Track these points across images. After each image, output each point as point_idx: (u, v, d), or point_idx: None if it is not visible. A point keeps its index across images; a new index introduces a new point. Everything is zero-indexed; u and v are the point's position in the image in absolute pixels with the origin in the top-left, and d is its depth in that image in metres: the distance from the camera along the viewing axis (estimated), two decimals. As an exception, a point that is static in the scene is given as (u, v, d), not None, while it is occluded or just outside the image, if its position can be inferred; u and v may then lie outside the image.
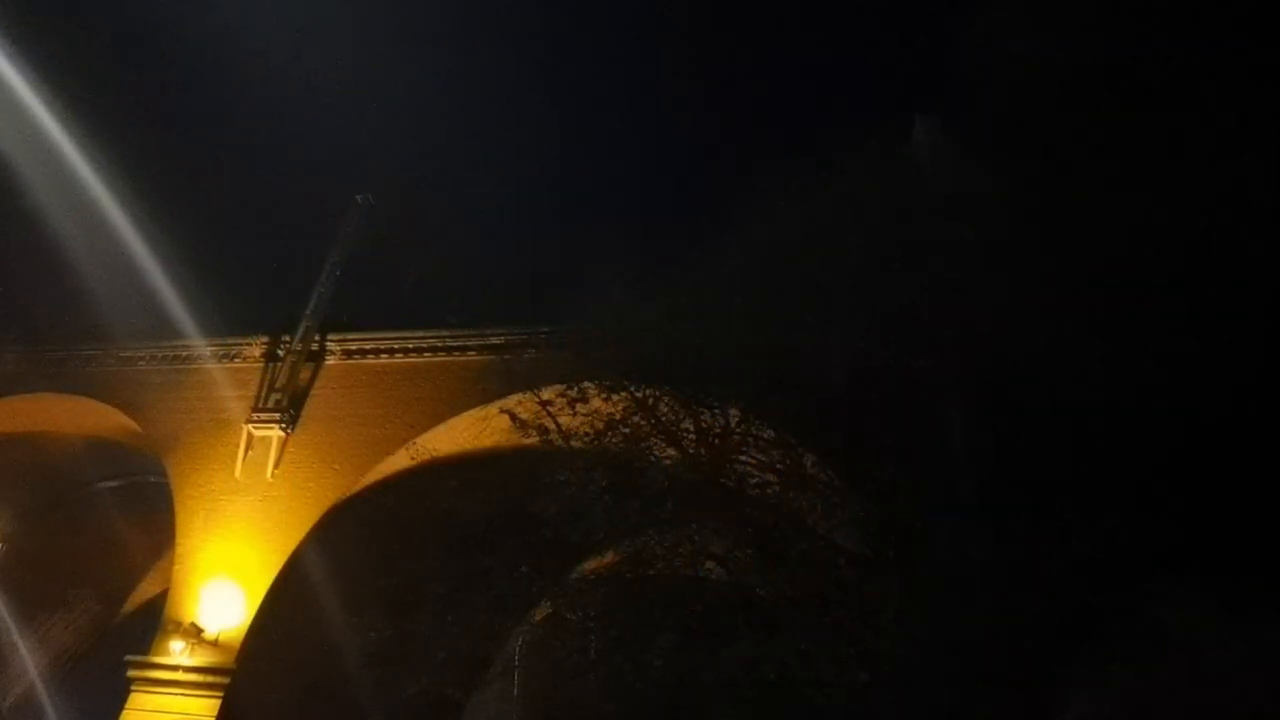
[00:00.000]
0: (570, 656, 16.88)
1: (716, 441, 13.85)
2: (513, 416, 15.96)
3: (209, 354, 20.71)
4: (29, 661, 26.36)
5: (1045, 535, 10.57)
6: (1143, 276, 10.62)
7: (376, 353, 19.74)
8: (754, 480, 13.71)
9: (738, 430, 13.72)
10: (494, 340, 18.88)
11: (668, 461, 14.15)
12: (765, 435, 13.60)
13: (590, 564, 17.12)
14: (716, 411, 13.79)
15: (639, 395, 14.10)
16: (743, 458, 13.67)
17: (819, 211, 13.19)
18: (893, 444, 12.34)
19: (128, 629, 27.02)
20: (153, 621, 18.28)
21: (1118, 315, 10.74)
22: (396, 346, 19.62)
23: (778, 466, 13.46)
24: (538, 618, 18.97)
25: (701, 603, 14.18)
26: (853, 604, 12.52)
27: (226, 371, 20.46)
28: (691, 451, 13.89)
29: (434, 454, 18.36)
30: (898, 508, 12.33)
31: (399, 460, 18.49)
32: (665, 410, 13.97)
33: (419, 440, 18.24)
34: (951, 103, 13.38)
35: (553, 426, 15.24)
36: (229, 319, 21.23)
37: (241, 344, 20.66)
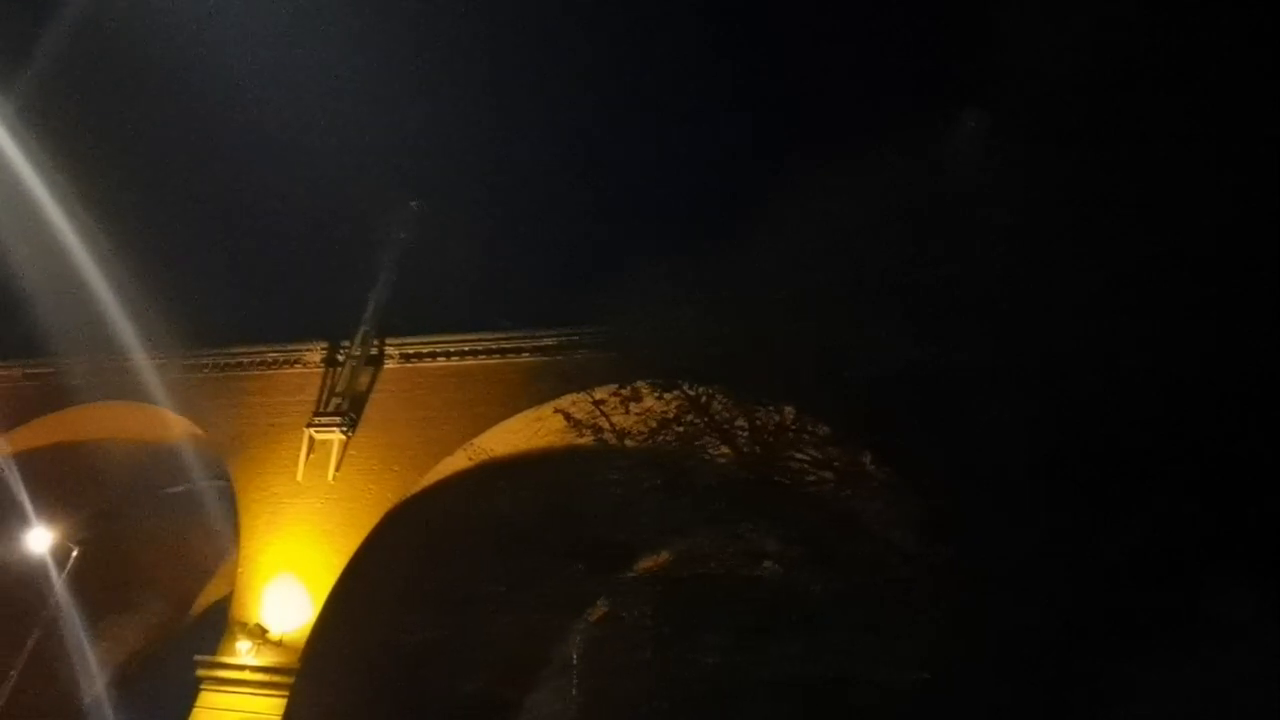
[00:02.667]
0: (624, 655, 16.98)
1: (770, 439, 13.84)
2: (567, 416, 16.11)
3: (270, 360, 21.28)
4: (102, 662, 27.23)
5: (1097, 529, 10.38)
6: (1194, 260, 10.38)
7: (433, 356, 20.05)
8: (809, 478, 13.66)
9: (792, 427, 13.68)
10: (546, 341, 19.10)
11: (721, 460, 14.16)
12: (820, 432, 13.54)
13: (644, 563, 17.19)
14: (770, 409, 13.77)
15: (692, 393, 14.14)
16: (797, 455, 13.63)
17: (860, 203, 13.12)
18: (944, 438, 12.20)
19: (196, 630, 27.78)
20: (219, 622, 18.70)
21: (1168, 302, 10.49)
22: (452, 349, 19.91)
23: (834, 463, 13.39)
24: (593, 617, 19.14)
25: (755, 601, 14.15)
26: (906, 602, 12.41)
27: (287, 377, 20.97)
28: (745, 449, 13.89)
29: (490, 454, 18.60)
30: (950, 503, 12.19)
31: (456, 461, 18.72)
32: (718, 408, 13.99)
33: (475, 441, 18.46)
34: (990, 89, 13.15)
35: (606, 426, 15.35)
36: (289, 325, 21.86)
37: (302, 350, 21.14)
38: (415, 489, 18.54)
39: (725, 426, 13.92)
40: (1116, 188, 11.23)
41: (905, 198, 12.82)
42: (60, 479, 23.16)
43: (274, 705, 16.70)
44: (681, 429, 14.13)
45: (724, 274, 14.27)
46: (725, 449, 13.95)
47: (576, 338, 18.61)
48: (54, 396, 23.16)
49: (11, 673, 21.74)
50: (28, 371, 23.71)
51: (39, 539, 22.35)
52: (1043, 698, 10.73)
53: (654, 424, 14.47)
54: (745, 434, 13.88)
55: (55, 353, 23.77)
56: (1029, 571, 10.59)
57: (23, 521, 22.36)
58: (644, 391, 14.69)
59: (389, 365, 20.37)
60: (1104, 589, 10.34)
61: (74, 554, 22.92)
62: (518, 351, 19.44)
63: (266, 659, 17.06)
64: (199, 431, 21.29)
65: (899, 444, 12.94)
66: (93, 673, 26.70)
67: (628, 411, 14.94)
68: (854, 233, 12.62)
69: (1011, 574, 10.75)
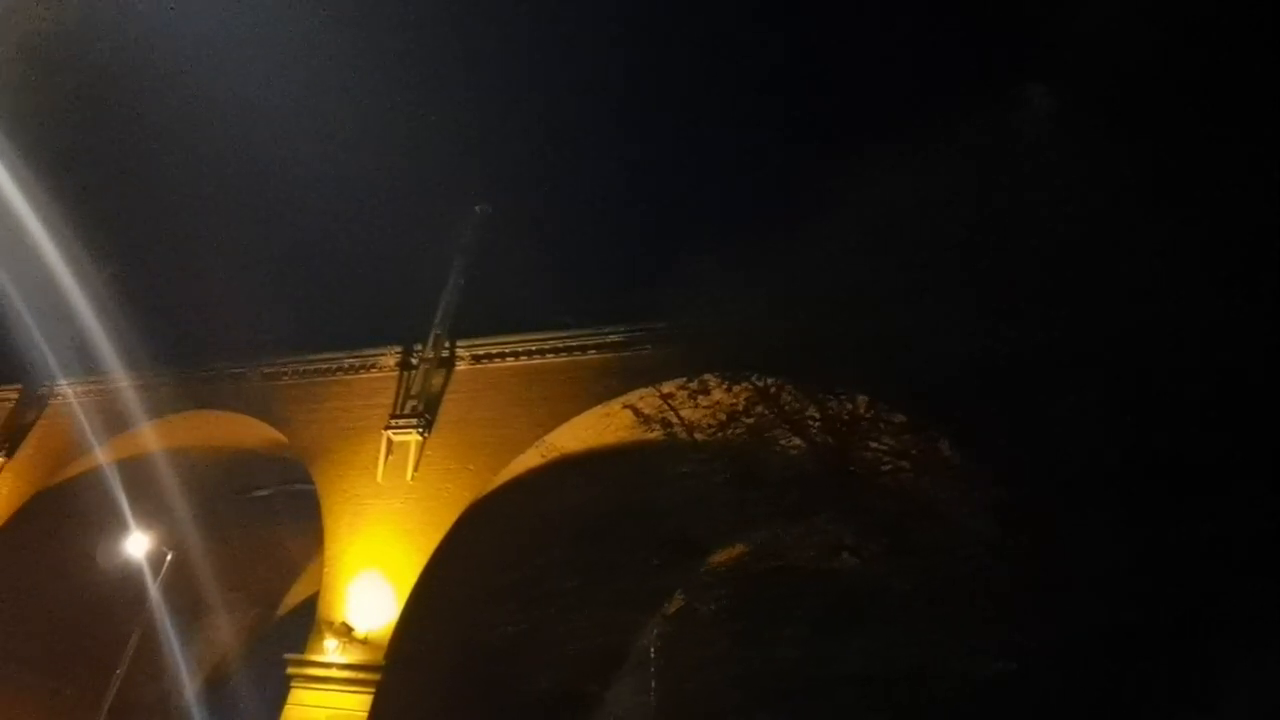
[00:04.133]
0: (701, 649, 16.96)
1: (843, 429, 13.67)
2: (635, 411, 16.20)
3: (347, 366, 21.88)
4: (199, 661, 28.40)
5: (1180, 516, 9.98)
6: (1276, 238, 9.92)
7: (502, 356, 20.34)
8: (885, 467, 13.45)
9: (866, 416, 13.49)
10: (612, 338, 19.21)
11: (794, 451, 14.05)
12: (896, 420, 13.32)
13: (718, 556, 17.15)
14: (842, 398, 13.61)
15: (761, 385, 14.07)
16: (872, 444, 13.43)
17: (928, 188, 12.85)
18: (1023, 424, 11.88)
19: (285, 629, 28.71)
20: (307, 621, 19.22)
21: (1252, 283, 10.04)
22: (520, 349, 20.17)
23: (910, 452, 13.15)
24: (669, 610, 19.17)
25: (832, 594, 14.00)
26: (987, 592, 12.11)
27: (364, 381, 21.54)
28: (818, 440, 13.75)
29: (562, 451, 18.80)
30: (1029, 490, 11.86)
31: (529, 459, 18.96)
32: (789, 399, 13.89)
33: (547, 438, 18.69)
34: (1055, 65, 12.74)
35: (675, 420, 15.38)
36: (364, 332, 22.44)
37: (377, 355, 21.68)
38: (490, 487, 18.81)
39: (796, 417, 13.81)
40: (1191, 165, 10.81)
41: (975, 180, 12.54)
42: (153, 487, 24.16)
43: (361, 702, 17.07)
44: (751, 421, 14.07)
45: (790, 264, 14.16)
46: (797, 440, 13.84)
47: (642, 333, 18.67)
48: (145, 408, 24.19)
49: (117, 671, 22.81)
50: (121, 385, 24.81)
51: (136, 544, 23.38)
52: (1127, 689, 10.40)
53: (723, 416, 14.44)
54: (817, 424, 13.74)
55: (145, 366, 24.89)
56: (1110, 559, 10.28)
57: (122, 527, 23.41)
58: (712, 384, 14.68)
59: (460, 367, 20.73)
60: (1188, 577, 9.95)
61: (168, 558, 23.90)
62: (584, 349, 19.58)
63: (353, 656, 17.47)
64: (282, 437, 21.98)
65: (977, 431, 12.65)
66: (190, 671, 27.83)
67: (696, 405, 14.95)
68: (923, 218, 12.39)
69: (1092, 562, 10.44)
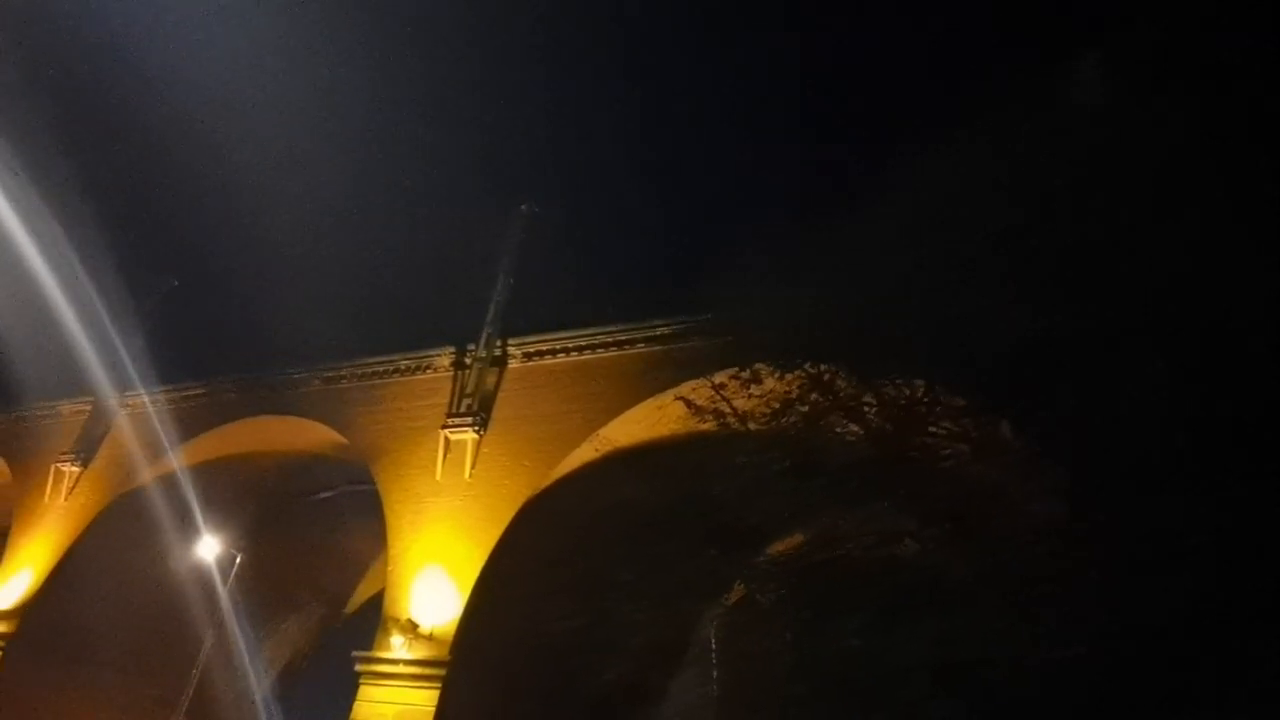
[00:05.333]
0: (762, 639, 16.89)
1: (901, 414, 13.46)
2: (687, 403, 16.16)
3: (403, 367, 22.26)
4: (271, 660, 29.20)
5: (1248, 498, 9.62)
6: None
7: (553, 353, 20.49)
8: (945, 452, 13.21)
9: (924, 400, 13.26)
10: (661, 330, 19.19)
11: (850, 438, 13.88)
12: (955, 403, 13.07)
13: (777, 546, 17.04)
14: (900, 383, 13.38)
15: (814, 372, 13.90)
16: (931, 429, 13.20)
17: (979, 165, 12.56)
18: (1086, 405, 11.57)
19: (353, 627, 29.39)
20: (374, 619, 19.60)
21: None
22: (571, 345, 20.29)
23: (970, 436, 12.89)
24: (729, 601, 19.14)
25: (894, 582, 13.82)
26: (1053, 577, 11.84)
27: (420, 382, 21.89)
28: (875, 426, 13.55)
29: (615, 445, 18.89)
30: (1095, 473, 11.55)
31: (583, 453, 19.08)
32: (844, 386, 13.71)
33: (600, 432, 18.78)
34: (1112, 33, 12.34)
35: (728, 410, 15.29)
36: (417, 333, 22.78)
37: (431, 355, 22.00)
38: (546, 482, 18.98)
39: (852, 404, 13.62)
40: (1247, 129, 10.40)
41: (1029, 156, 12.23)
42: (222, 491, 24.89)
43: (428, 697, 17.37)
44: (806, 409, 13.91)
45: (841, 247, 13.95)
46: (854, 427, 13.66)
47: (692, 324, 18.61)
48: (210, 415, 24.92)
49: (194, 671, 23.58)
50: (186, 394, 25.60)
51: (207, 547, 24.11)
52: (1204, 677, 10.07)
53: (777, 405, 14.31)
54: (874, 410, 13.54)
55: (208, 375, 25.66)
56: (1184, 541, 9.97)
57: (193, 532, 24.16)
58: (764, 373, 14.54)
59: (512, 364, 20.94)
60: (1256, 560, 9.60)
61: (237, 560, 24.61)
62: (633, 343, 19.62)
63: (419, 652, 17.78)
64: (343, 439, 22.46)
65: (1038, 412, 12.36)
66: (264, 670, 28.63)
67: (749, 394, 14.84)
68: (976, 195, 12.13)
69: (1165, 544, 10.14)
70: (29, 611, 23.37)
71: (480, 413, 20.11)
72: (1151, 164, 11.28)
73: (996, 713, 12.79)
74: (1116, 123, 11.99)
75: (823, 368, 13.86)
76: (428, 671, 17.61)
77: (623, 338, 19.78)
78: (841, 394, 13.69)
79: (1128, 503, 10.87)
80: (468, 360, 21.16)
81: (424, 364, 22.06)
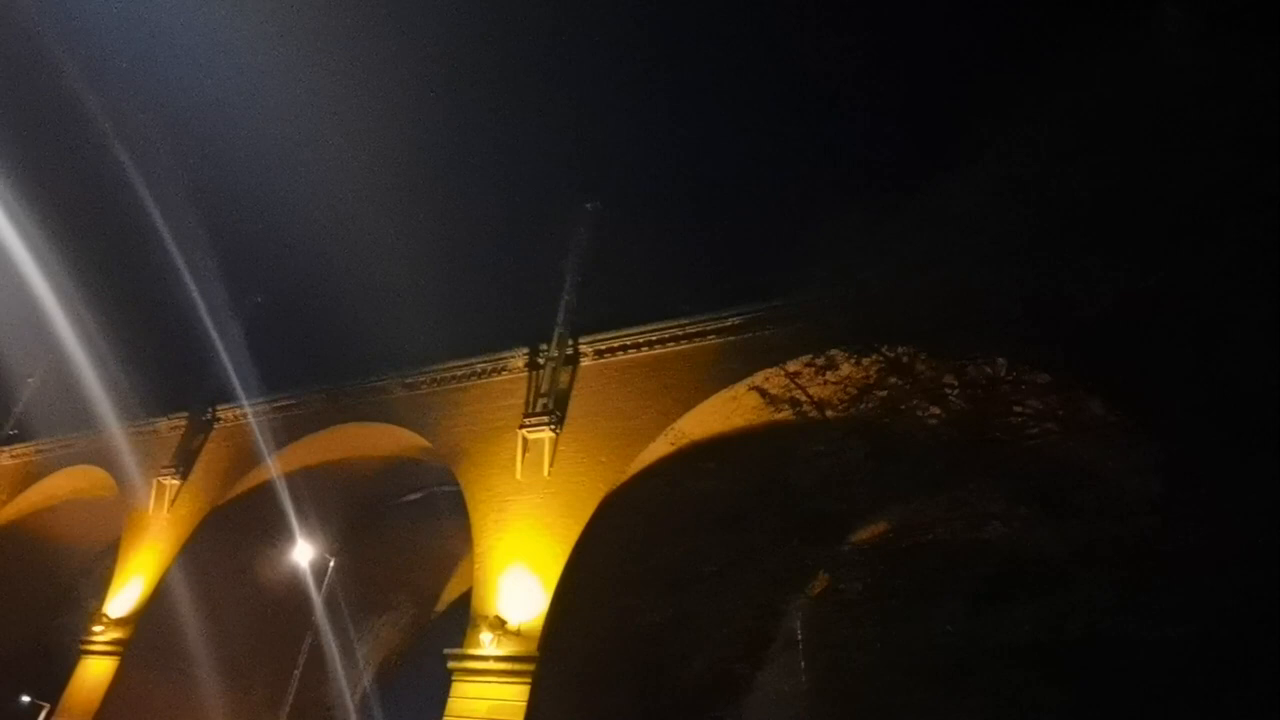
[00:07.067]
0: (850, 628, 16.65)
1: (983, 394, 13.11)
2: (761, 392, 16.03)
3: (480, 370, 22.67)
4: (367, 659, 30.12)
5: None
6: None
7: (624, 349, 20.59)
8: (1031, 430, 12.84)
9: (1007, 379, 12.88)
10: (731, 321, 19.09)
11: (932, 421, 13.59)
12: (1040, 380, 12.67)
13: (861, 535, 16.81)
14: (981, 362, 13.03)
15: (891, 355, 13.65)
16: (1016, 408, 12.82)
17: (1057, 130, 12.08)
18: (1180, 374, 11.07)
19: (444, 625, 30.09)
20: (463, 616, 19.96)
21: None
22: (641, 341, 20.35)
23: (1058, 413, 12.48)
24: (814, 591, 18.92)
25: (986, 565, 13.48)
26: (1155, 553, 11.36)
27: (497, 384, 22.28)
28: (957, 408, 13.22)
29: (690, 438, 18.87)
30: (1194, 445, 11.04)
31: (659, 448, 19.14)
32: (923, 368, 13.42)
33: (675, 426, 18.81)
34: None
35: (804, 398, 15.13)
36: (492, 336, 23.18)
37: (506, 357, 22.38)
38: (624, 477, 19.08)
39: (932, 386, 13.33)
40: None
41: (1112, 117, 11.74)
42: (314, 497, 25.73)
43: (518, 692, 17.64)
44: (885, 393, 13.68)
45: (912, 226, 13.63)
46: (935, 409, 13.37)
47: (762, 313, 18.48)
48: (300, 424, 25.79)
49: (295, 671, 24.48)
50: (275, 405, 26.55)
51: (303, 552, 24.99)
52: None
53: (854, 391, 14.10)
54: (955, 392, 13.22)
55: (296, 386, 26.57)
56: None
57: (288, 537, 25.07)
58: (839, 359, 14.33)
59: (585, 362, 21.11)
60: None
61: (331, 564, 25.44)
62: (704, 335, 19.57)
63: (508, 648, 18.08)
64: (426, 442, 22.99)
65: (1130, 385, 11.89)
66: (361, 669, 29.55)
67: (825, 381, 14.64)
68: (1056, 163, 11.70)
69: (1266, 518, 9.63)
70: (141, 619, 24.55)
71: (556, 411, 20.34)
72: (1247, 116, 10.71)
73: (1101, 696, 12.40)
74: (1205, 75, 11.41)
75: (900, 350, 13.59)
76: (517, 667, 17.86)
77: (693, 330, 19.74)
78: (921, 376, 13.40)
79: (1229, 476, 10.38)
80: (541, 360, 21.44)
81: (499, 366, 22.43)
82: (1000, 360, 12.96)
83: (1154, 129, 11.53)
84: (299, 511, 25.05)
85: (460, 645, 18.85)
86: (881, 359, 13.78)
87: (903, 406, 13.66)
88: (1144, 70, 12.01)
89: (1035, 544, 12.98)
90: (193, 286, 27.55)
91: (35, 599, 31.26)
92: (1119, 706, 12.17)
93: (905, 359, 13.45)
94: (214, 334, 26.69)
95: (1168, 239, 11.09)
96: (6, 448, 33.11)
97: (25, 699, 30.01)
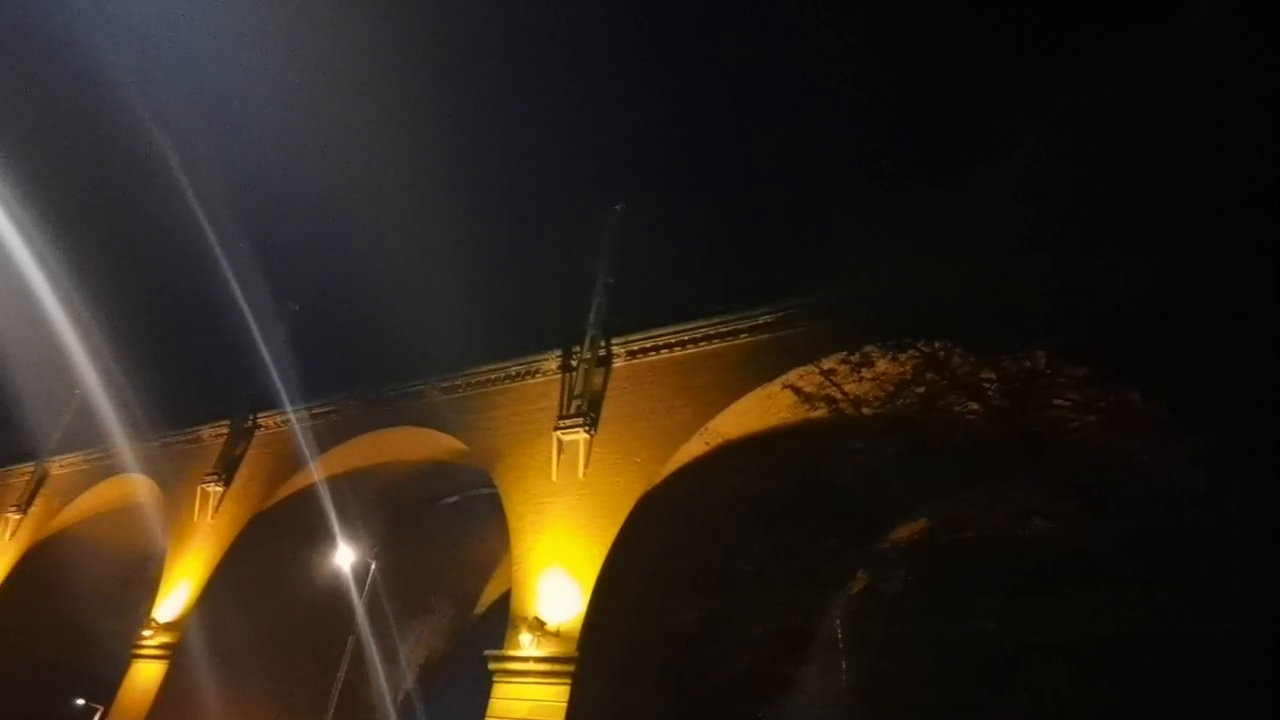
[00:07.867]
0: (890, 626, 16.57)
1: (1021, 388, 12.95)
2: (796, 390, 15.98)
3: (514, 373, 22.83)
4: (409, 661, 30.48)
5: None
6: None
7: (656, 349, 20.60)
8: (1071, 424, 12.65)
9: (1046, 372, 12.71)
10: (764, 319, 19.00)
11: (971, 417, 13.45)
12: (1079, 373, 12.49)
13: (899, 532, 16.73)
14: (1019, 356, 12.87)
15: (928, 351, 13.52)
16: (1055, 401, 12.65)
17: (1091, 116, 11.90)
18: (1222, 365, 10.86)
19: (484, 626, 30.35)
20: (503, 618, 20.12)
21: None
22: (674, 341, 20.36)
23: (1098, 405, 12.30)
24: (853, 590, 18.85)
25: (1027, 561, 13.35)
26: (1200, 548, 11.17)
27: (531, 387, 22.41)
28: (996, 403, 13.08)
29: (725, 437, 18.82)
30: (1238, 437, 10.82)
31: (693, 447, 19.12)
32: (960, 363, 13.28)
33: (709, 426, 18.76)
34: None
35: (839, 395, 15.03)
36: (525, 339, 23.31)
37: (539, 360, 22.50)
38: (659, 478, 19.08)
39: (970, 381, 13.18)
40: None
41: (1145, 96, 11.53)
42: (354, 502, 26.08)
43: (558, 693, 17.70)
44: (922, 389, 13.55)
45: (944, 218, 13.49)
46: (973, 404, 13.22)
47: (795, 310, 18.34)
48: (339, 430, 26.17)
49: (339, 674, 24.82)
50: (314, 412, 26.95)
51: (344, 556, 25.35)
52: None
53: (890, 387, 13.99)
54: (993, 386, 13.07)
55: (334, 393, 26.95)
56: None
57: (330, 541, 25.44)
58: (875, 355, 14.21)
59: (618, 363, 21.17)
60: None
61: (372, 567, 25.76)
62: (736, 333, 19.50)
63: (547, 649, 18.17)
64: (463, 446, 23.20)
65: (1171, 376, 11.69)
66: (403, 670, 29.91)
67: (860, 378, 14.54)
68: (1089, 149, 11.54)
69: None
70: (188, 623, 25.07)
71: (590, 413, 20.42)
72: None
73: (1146, 693, 12.23)
74: (1247, 56, 11.18)
75: (937, 345, 13.46)
76: (557, 668, 17.94)
77: (725, 329, 19.69)
78: (958, 371, 13.26)
79: (1274, 467, 10.18)
80: (574, 362, 21.53)
81: (533, 369, 22.57)
82: (1039, 353, 12.79)
83: (1191, 117, 11.34)
84: (341, 515, 25.39)
85: (500, 646, 18.97)
86: (918, 354, 13.65)
87: (940, 402, 13.52)
88: (1181, 58, 11.81)
89: (1077, 538, 12.83)
90: (236, 295, 28.09)
91: (86, 605, 32.00)
92: (1164, 703, 11.98)
93: (942, 354, 13.32)
94: (258, 341, 27.19)
95: (1204, 230, 10.91)
96: (56, 458, 33.96)
97: (80, 702, 30.80)
